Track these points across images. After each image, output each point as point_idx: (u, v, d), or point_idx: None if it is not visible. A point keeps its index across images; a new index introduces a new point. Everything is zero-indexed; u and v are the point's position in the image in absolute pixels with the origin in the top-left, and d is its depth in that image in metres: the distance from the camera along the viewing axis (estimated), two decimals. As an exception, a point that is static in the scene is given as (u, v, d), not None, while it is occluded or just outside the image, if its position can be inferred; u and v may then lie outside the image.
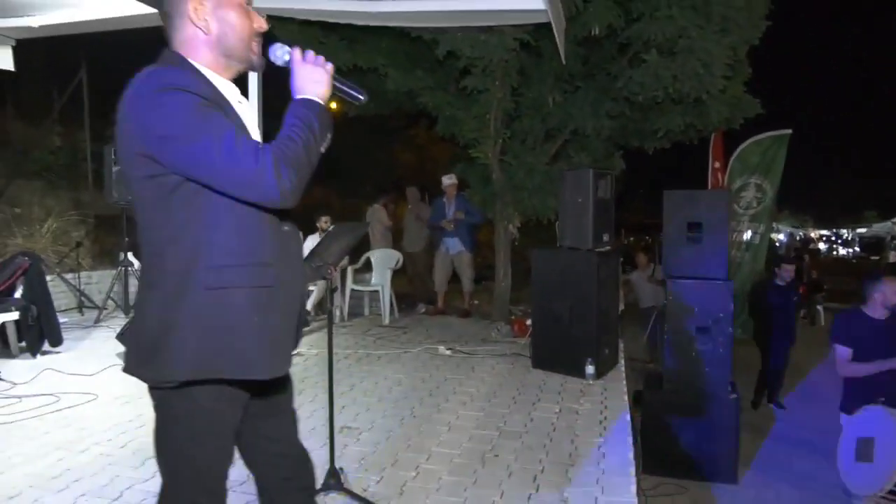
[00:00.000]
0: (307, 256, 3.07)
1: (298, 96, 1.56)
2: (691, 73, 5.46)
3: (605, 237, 5.02)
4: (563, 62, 5.02)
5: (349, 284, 7.42)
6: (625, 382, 4.87)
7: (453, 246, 7.69)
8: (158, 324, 1.48)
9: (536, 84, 6.71)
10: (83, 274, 8.04)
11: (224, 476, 1.62)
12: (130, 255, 7.45)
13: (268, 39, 1.72)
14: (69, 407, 4.09)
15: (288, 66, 1.62)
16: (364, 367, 5.30)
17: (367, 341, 6.32)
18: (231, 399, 1.57)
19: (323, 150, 1.53)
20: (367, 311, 7.82)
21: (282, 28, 6.30)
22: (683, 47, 5.41)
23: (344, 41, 6.72)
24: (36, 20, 4.91)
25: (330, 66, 1.61)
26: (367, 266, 7.78)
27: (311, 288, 7.23)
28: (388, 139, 16.14)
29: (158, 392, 1.55)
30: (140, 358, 1.53)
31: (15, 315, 5.24)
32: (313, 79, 1.57)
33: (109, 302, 7.51)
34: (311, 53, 1.61)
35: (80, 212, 9.38)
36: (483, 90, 6.62)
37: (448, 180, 7.58)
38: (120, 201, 7.37)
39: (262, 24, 1.65)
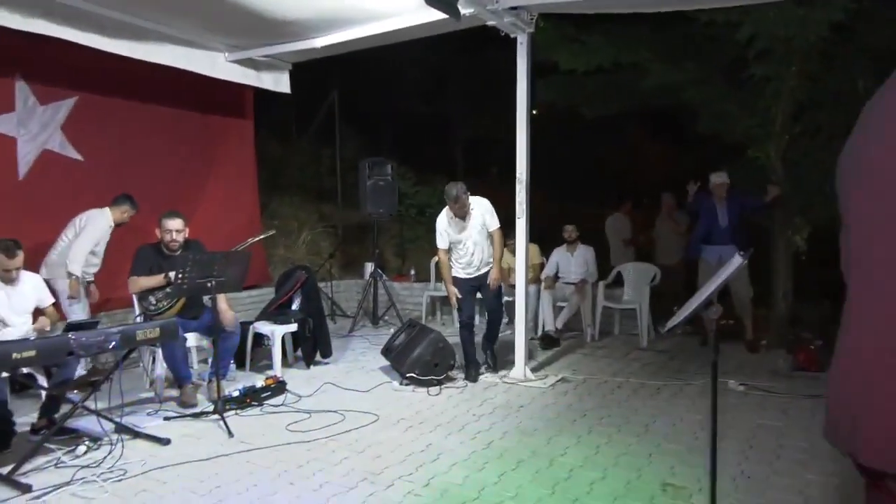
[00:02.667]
0: (709, 298, 2.54)
1: None
2: None
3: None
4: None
5: (600, 301, 6.82)
6: None
7: (728, 255, 6.42)
8: None
9: (841, 67, 5.56)
10: (333, 283, 8.41)
11: None
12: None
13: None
14: (356, 428, 4.01)
15: None
16: (646, 401, 4.66)
17: (632, 367, 5.67)
18: None
19: None
20: (616, 330, 7.16)
21: (538, 30, 5.93)
22: None
23: (606, 37, 6.18)
24: (319, 41, 5.03)
25: None
26: (617, 281, 7.12)
27: (560, 304, 6.77)
28: (603, 142, 15.30)
29: None
30: None
31: (294, 327, 5.43)
32: None
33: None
34: None
35: (328, 224, 9.95)
36: (774, 78, 5.65)
37: (718, 179, 6.25)
38: (373, 213, 7.56)
39: None
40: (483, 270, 5.16)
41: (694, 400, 4.65)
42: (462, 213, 4.99)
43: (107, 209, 5.14)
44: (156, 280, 4.49)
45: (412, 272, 8.75)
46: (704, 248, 6.40)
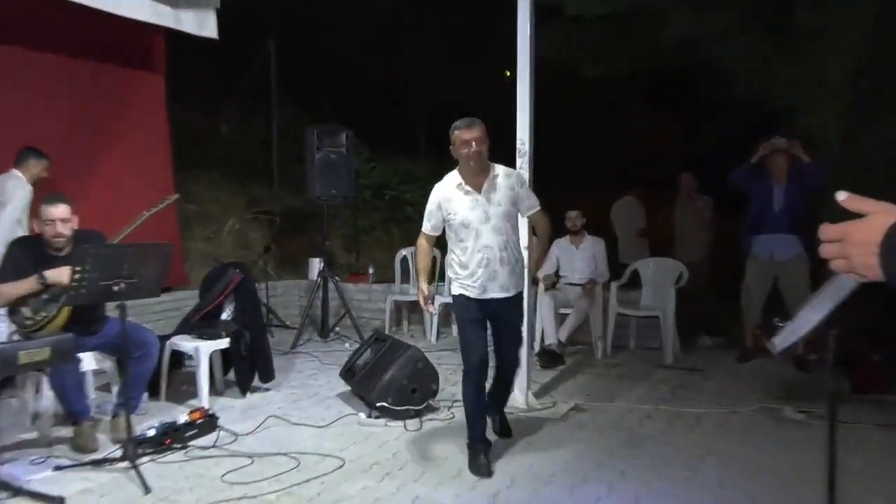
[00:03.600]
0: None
1: None
2: None
3: None
4: None
5: (613, 306, 6.65)
6: None
7: (784, 248, 6.02)
8: None
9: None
10: (268, 285, 8.03)
11: None
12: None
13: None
14: (316, 477, 3.71)
15: None
16: (686, 434, 4.48)
17: (661, 391, 5.51)
18: None
19: None
20: (632, 344, 7.01)
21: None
22: None
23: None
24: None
25: None
26: (633, 282, 6.97)
27: (564, 311, 6.57)
28: (603, 111, 15.18)
29: None
30: None
31: (226, 342, 5.08)
32: None
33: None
34: None
35: (260, 209, 9.55)
36: (826, 31, 5.59)
37: (779, 143, 5.88)
38: (323, 196, 7.22)
39: None
40: (510, 291, 3.97)
41: (744, 433, 4.51)
42: (480, 171, 3.85)
43: (14, 171, 4.88)
44: (27, 285, 4.06)
45: (370, 271, 8.47)
46: (754, 239, 6.23)
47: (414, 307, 7.60)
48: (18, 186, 5.23)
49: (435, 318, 7.23)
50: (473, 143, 3.75)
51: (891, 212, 0.97)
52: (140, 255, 3.82)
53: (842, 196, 1.01)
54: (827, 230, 1.02)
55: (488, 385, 4.11)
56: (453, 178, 3.93)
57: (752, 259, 6.24)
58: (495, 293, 3.90)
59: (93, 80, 6.38)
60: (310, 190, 7.25)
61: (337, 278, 7.75)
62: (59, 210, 4.16)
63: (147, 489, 3.53)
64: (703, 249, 7.87)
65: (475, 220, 3.83)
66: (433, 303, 4.21)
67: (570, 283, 6.77)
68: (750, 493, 3.55)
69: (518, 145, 4.86)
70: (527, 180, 4.32)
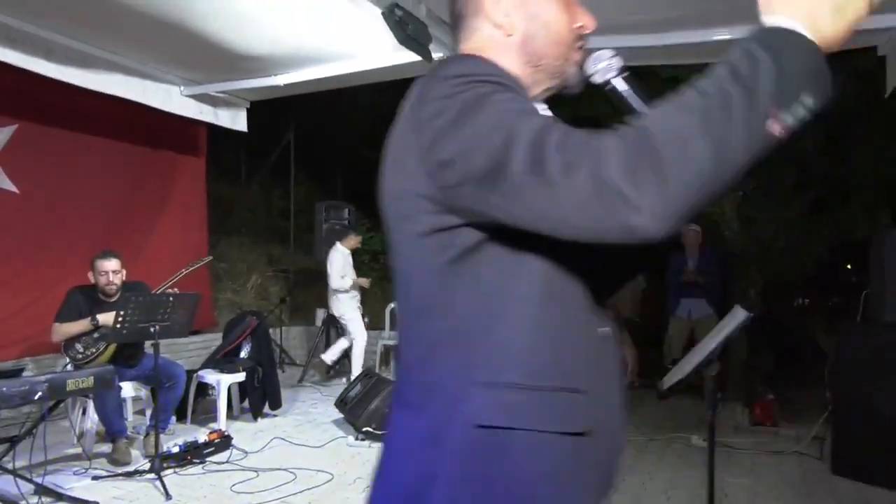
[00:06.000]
0: (709, 356, 2.44)
1: (764, 19, 0.77)
2: None
3: (944, 313, 3.90)
4: (886, 95, 4.12)
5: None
6: None
7: (698, 310, 6.28)
8: (417, 471, 0.94)
9: (791, 127, 5.77)
10: (282, 330, 8.04)
11: None
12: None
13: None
14: (308, 489, 3.69)
15: (610, 87, 1.05)
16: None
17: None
18: None
19: (779, 135, 0.72)
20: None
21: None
22: None
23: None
24: (280, 79, 4.87)
25: None
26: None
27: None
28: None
29: None
30: None
31: (242, 376, 5.07)
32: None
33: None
34: None
35: (278, 268, 9.60)
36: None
37: (689, 229, 6.14)
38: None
39: (589, 23, 1.06)
40: None
41: (660, 456, 4.53)
42: None
43: None
44: (81, 325, 4.10)
45: (365, 320, 8.45)
46: (676, 301, 6.42)
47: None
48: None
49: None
50: None
51: None
52: (173, 303, 3.88)
53: None
54: None
55: None
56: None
57: (674, 316, 6.41)
58: None
59: (147, 162, 6.46)
60: (318, 252, 7.33)
61: (340, 325, 7.74)
62: (111, 264, 4.22)
63: (168, 496, 3.50)
64: (635, 306, 7.97)
65: None
66: None
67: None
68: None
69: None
70: None
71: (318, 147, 11.00)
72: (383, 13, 3.43)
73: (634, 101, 1.04)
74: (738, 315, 2.41)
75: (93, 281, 4.28)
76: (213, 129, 6.23)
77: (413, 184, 0.94)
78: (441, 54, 4.21)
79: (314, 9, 3.63)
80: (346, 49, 4.11)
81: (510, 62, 1.02)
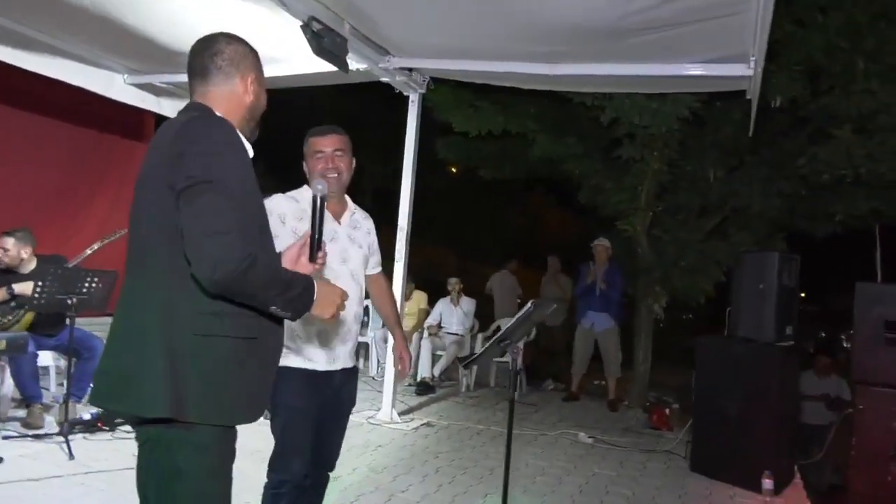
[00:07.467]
0: (501, 335, 2.81)
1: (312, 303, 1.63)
2: (891, 152, 4.82)
3: (789, 330, 4.40)
4: (750, 134, 4.61)
5: (477, 352, 7.08)
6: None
7: (600, 322, 6.75)
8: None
9: (697, 156, 6.27)
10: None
11: None
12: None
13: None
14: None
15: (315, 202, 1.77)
16: (499, 447, 4.85)
17: (497, 416, 5.91)
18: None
19: (271, 310, 1.56)
20: (492, 382, 7.43)
21: (435, 91, 6.27)
22: (884, 125, 4.81)
23: (497, 105, 6.66)
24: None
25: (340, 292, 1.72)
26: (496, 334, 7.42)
27: (439, 353, 6.98)
28: (502, 203, 16.03)
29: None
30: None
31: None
32: (327, 301, 1.65)
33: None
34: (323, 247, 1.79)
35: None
36: (638, 160, 6.28)
37: (599, 243, 6.74)
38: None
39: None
40: (351, 360, 2.47)
41: (544, 448, 4.93)
42: (340, 198, 2.48)
43: None
44: None
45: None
46: (582, 313, 6.88)
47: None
48: None
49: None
50: (332, 170, 2.37)
51: None
52: (91, 277, 4.12)
53: None
54: None
55: None
56: (306, 194, 2.37)
57: (580, 327, 6.89)
58: (344, 362, 2.41)
59: (86, 144, 6.57)
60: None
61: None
62: (4, 242, 4.42)
63: (72, 456, 3.74)
64: (559, 317, 8.40)
65: (330, 258, 2.15)
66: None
67: (449, 332, 7.21)
68: (522, 488, 3.95)
69: (399, 223, 5.32)
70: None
71: (274, 146, 11.19)
72: (301, 26, 3.77)
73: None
74: (544, 304, 2.74)
75: None
76: (162, 117, 6.43)
77: None
78: (363, 65, 4.58)
79: (241, 15, 3.94)
80: (272, 54, 4.42)
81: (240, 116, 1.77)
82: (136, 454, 1.66)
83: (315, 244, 1.76)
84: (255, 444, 2.33)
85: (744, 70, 3.81)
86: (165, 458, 1.56)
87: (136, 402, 1.52)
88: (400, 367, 2.67)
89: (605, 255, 6.67)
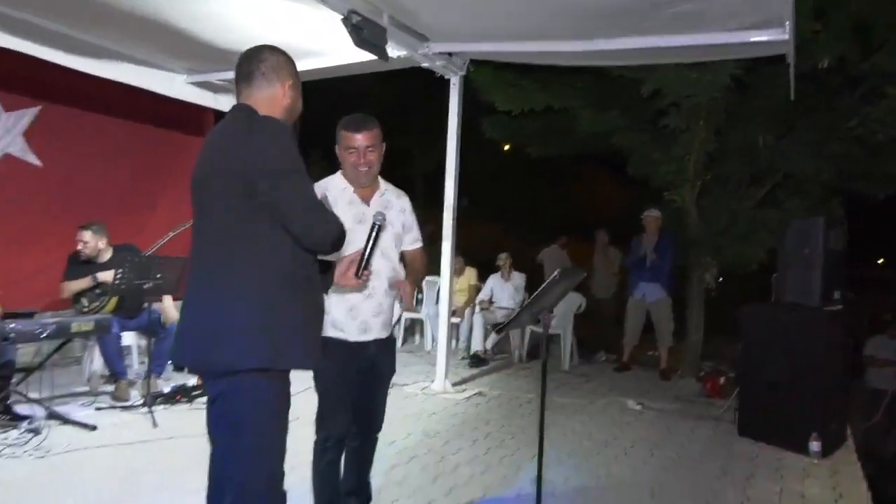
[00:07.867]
0: (529, 302, 2.96)
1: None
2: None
3: (836, 294, 4.37)
4: (792, 98, 4.54)
5: (529, 326, 7.24)
6: (860, 466, 4.14)
7: (652, 292, 6.74)
8: None
9: (744, 123, 6.17)
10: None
11: None
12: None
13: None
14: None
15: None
16: (549, 415, 5.04)
17: (548, 387, 6.03)
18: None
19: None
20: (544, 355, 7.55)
21: (477, 72, 6.39)
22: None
23: (538, 83, 6.72)
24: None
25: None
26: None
27: (491, 327, 7.17)
28: (555, 180, 15.92)
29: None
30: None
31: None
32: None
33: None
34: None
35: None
36: (684, 130, 6.24)
37: (649, 213, 6.71)
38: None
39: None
40: (389, 331, 2.67)
41: (591, 416, 5.07)
42: (370, 183, 2.63)
43: None
44: (83, 283, 4.75)
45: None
46: (634, 285, 6.90)
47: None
48: None
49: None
50: (363, 159, 2.55)
51: None
52: (162, 264, 4.52)
53: None
54: None
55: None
56: (337, 180, 2.64)
57: (631, 299, 6.92)
58: (377, 333, 2.59)
59: (155, 142, 7.00)
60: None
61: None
62: (83, 235, 4.80)
63: (155, 424, 4.17)
64: (610, 289, 8.43)
65: (359, 237, 2.29)
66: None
67: (500, 307, 7.39)
68: (567, 451, 4.13)
69: (446, 202, 5.51)
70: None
71: (327, 133, 11.54)
72: (342, 19, 3.98)
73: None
74: (555, 275, 2.70)
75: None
76: (221, 113, 6.80)
77: None
78: (402, 52, 4.76)
79: (285, 13, 4.19)
80: (315, 47, 4.67)
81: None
82: (206, 408, 1.92)
83: (363, 263, 2.13)
84: (304, 409, 2.56)
85: (780, 35, 3.79)
86: (232, 408, 1.82)
87: (228, 355, 1.79)
88: (401, 297, 2.60)
89: (654, 225, 6.66)
